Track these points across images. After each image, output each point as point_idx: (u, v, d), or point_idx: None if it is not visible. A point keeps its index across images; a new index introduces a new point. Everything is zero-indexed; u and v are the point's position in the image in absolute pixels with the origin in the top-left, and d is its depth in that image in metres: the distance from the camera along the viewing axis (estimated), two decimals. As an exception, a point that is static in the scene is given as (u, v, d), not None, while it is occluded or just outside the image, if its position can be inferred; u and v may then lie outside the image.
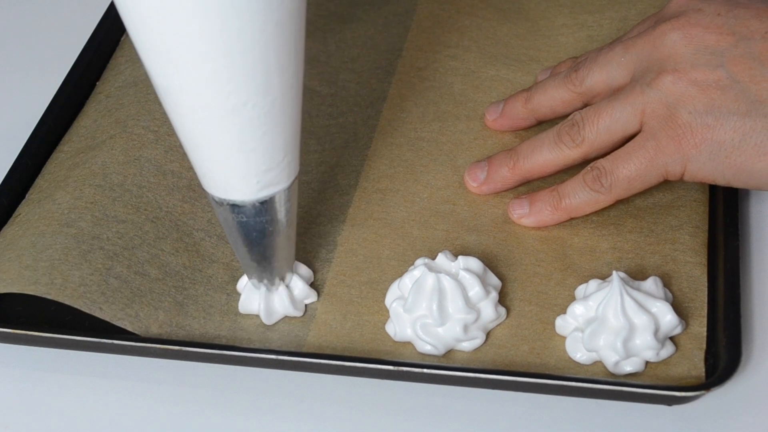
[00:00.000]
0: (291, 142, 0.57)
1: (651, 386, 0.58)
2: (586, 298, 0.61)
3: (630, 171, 0.64)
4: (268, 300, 0.63)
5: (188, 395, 0.61)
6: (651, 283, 0.61)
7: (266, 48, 0.52)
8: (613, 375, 0.59)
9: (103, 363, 0.63)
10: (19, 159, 0.72)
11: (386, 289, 0.63)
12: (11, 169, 0.71)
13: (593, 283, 0.62)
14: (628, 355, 0.59)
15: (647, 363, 0.60)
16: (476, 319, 0.61)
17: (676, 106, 0.62)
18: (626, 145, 0.65)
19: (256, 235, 0.59)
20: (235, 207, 0.58)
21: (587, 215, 0.67)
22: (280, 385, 0.61)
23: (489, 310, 0.61)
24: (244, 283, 0.64)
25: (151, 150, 0.70)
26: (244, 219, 0.58)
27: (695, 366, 0.60)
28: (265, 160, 0.56)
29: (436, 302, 0.60)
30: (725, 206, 0.66)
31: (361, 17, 0.82)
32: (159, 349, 0.61)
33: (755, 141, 0.61)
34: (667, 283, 0.63)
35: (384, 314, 0.63)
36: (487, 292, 0.61)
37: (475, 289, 0.61)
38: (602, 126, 0.65)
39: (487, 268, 0.63)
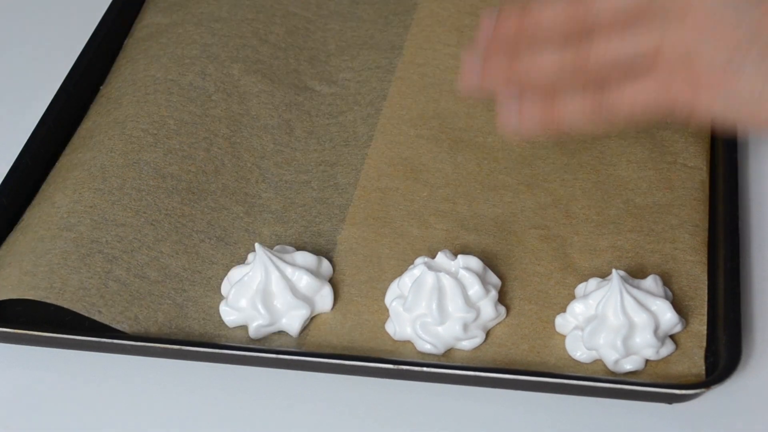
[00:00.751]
0: None
1: (651, 384, 0.58)
2: (585, 296, 0.61)
3: (638, 94, 0.60)
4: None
5: (188, 395, 0.61)
6: (651, 282, 0.61)
7: None
8: (613, 373, 0.59)
9: (103, 363, 0.63)
10: (19, 159, 0.72)
11: (386, 288, 0.63)
12: (11, 169, 0.71)
13: (593, 282, 0.62)
14: (628, 353, 0.59)
15: (647, 361, 0.60)
16: (476, 318, 0.61)
17: (696, 48, 0.58)
18: (637, 67, 0.60)
19: None
20: None
21: (587, 215, 0.67)
22: (280, 385, 0.61)
23: (489, 309, 0.61)
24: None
25: (150, 153, 0.71)
26: None
27: (695, 364, 0.59)
28: None
29: (436, 301, 0.60)
30: (725, 205, 0.66)
31: (362, 16, 0.82)
32: (159, 348, 0.61)
33: None
34: (667, 282, 0.63)
35: (384, 313, 0.63)
36: (487, 291, 0.61)
37: (474, 288, 0.61)
38: (620, 45, 0.59)
39: (487, 267, 0.63)
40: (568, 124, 0.60)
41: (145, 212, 0.67)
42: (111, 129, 0.72)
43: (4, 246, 0.67)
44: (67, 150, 0.73)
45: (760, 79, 0.58)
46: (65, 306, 0.62)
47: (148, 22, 0.82)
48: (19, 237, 0.67)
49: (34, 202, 0.70)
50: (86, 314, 0.62)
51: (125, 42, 0.82)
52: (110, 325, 0.62)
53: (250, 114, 0.74)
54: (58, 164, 0.72)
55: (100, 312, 0.62)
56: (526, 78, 0.60)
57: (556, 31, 0.60)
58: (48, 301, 0.62)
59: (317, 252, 0.65)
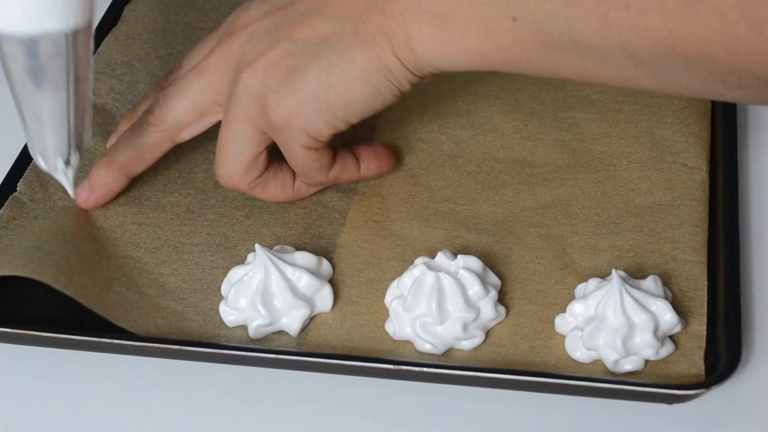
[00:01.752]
0: None
1: (651, 384, 0.58)
2: (585, 296, 0.61)
3: (180, 106, 0.66)
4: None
5: (188, 395, 0.61)
6: (650, 282, 0.61)
7: None
8: (612, 373, 0.59)
9: (103, 363, 0.63)
10: (19, 159, 0.72)
11: (386, 288, 0.63)
12: (11, 169, 0.71)
13: (593, 282, 0.62)
14: (627, 353, 0.59)
15: (647, 361, 0.60)
16: (475, 318, 0.61)
17: (263, 94, 0.62)
18: (172, 85, 0.67)
19: (26, 81, 0.55)
20: (6, 41, 0.53)
21: (587, 215, 0.67)
22: (279, 385, 0.61)
23: (488, 309, 0.61)
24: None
25: (150, 187, 0.71)
26: (14, 58, 0.54)
27: (695, 364, 0.59)
28: None
29: (436, 301, 0.60)
30: (725, 205, 0.66)
31: None
32: (159, 348, 0.61)
33: (338, 72, 0.61)
34: (666, 282, 0.63)
35: (383, 313, 0.63)
36: (487, 291, 0.61)
37: (474, 288, 0.61)
38: (181, 99, 0.66)
39: (487, 267, 0.63)
40: (129, 166, 0.69)
41: (144, 244, 0.68)
42: None
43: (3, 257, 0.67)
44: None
45: (320, 71, 0.62)
46: (69, 294, 0.62)
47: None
48: (16, 239, 0.67)
49: (34, 214, 0.69)
50: (89, 306, 0.62)
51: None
52: (111, 320, 0.62)
53: None
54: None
55: (100, 310, 0.62)
56: (131, 171, 0.70)
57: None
58: (55, 286, 0.62)
59: (317, 254, 0.65)
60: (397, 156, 0.72)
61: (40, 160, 0.61)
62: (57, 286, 0.62)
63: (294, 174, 0.68)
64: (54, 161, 0.60)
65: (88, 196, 0.69)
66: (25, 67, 0.55)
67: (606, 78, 0.57)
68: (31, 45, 0.53)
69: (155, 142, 0.67)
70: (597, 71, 0.56)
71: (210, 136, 0.75)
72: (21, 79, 0.55)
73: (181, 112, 0.66)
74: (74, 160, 0.61)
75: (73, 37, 0.55)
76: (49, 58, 0.54)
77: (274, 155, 0.67)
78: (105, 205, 0.69)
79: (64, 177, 0.62)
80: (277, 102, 0.62)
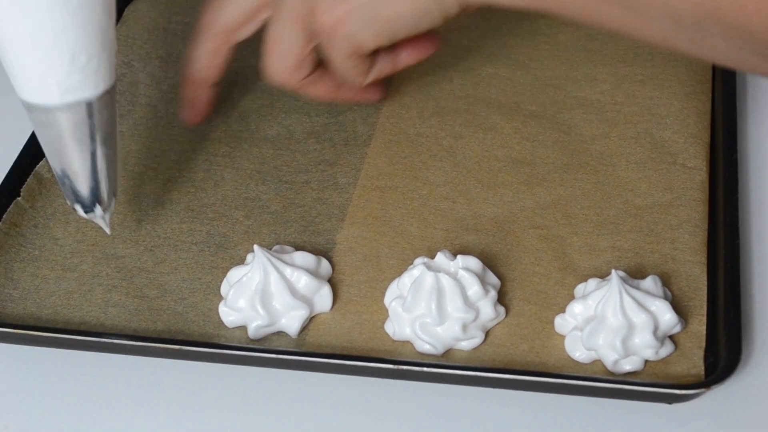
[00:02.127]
0: (95, 45, 0.55)
1: (651, 384, 0.58)
2: (585, 296, 0.61)
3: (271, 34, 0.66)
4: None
5: (188, 395, 0.61)
6: (650, 282, 0.61)
7: None
8: (612, 374, 0.59)
9: (103, 363, 0.63)
10: (19, 159, 0.72)
11: (385, 288, 0.63)
12: (11, 169, 0.71)
13: (592, 282, 0.62)
14: (627, 353, 0.59)
15: (646, 362, 0.60)
16: (475, 318, 0.61)
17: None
18: None
19: (61, 144, 0.58)
20: (41, 111, 0.57)
21: (587, 215, 0.67)
22: (279, 384, 0.61)
23: (488, 309, 0.61)
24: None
25: (151, 186, 0.71)
26: (50, 125, 0.58)
27: (694, 364, 0.59)
28: (65, 61, 0.55)
29: (435, 301, 0.60)
30: (725, 205, 0.66)
31: None
32: (159, 348, 0.61)
33: None
34: (666, 282, 0.63)
35: (383, 313, 0.63)
36: (486, 291, 0.61)
37: (474, 288, 0.61)
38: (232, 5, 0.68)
39: (486, 268, 0.63)
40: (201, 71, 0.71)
41: (143, 241, 0.68)
42: None
43: (4, 271, 0.67)
44: None
45: None
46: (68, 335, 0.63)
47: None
48: (20, 266, 0.67)
49: (34, 222, 0.69)
50: (90, 329, 0.63)
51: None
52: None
53: (249, 129, 0.75)
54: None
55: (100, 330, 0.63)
56: (202, 76, 0.72)
57: (218, 65, 0.72)
58: (50, 326, 0.63)
59: (316, 252, 0.66)
60: (396, 150, 0.72)
61: (79, 210, 0.63)
62: (54, 344, 0.63)
63: None
64: (92, 209, 0.62)
65: (188, 112, 0.72)
66: (59, 132, 0.58)
67: (646, 34, 0.57)
68: (64, 113, 0.57)
69: (214, 47, 0.69)
70: (637, 26, 0.57)
71: (208, 137, 0.75)
72: (56, 142, 0.58)
73: (231, 13, 0.68)
74: (111, 205, 0.63)
75: (101, 99, 0.58)
76: (82, 122, 0.57)
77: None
78: (208, 117, 0.73)
79: (102, 221, 0.64)
80: (326, 7, 0.63)
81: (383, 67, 0.68)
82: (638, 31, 0.57)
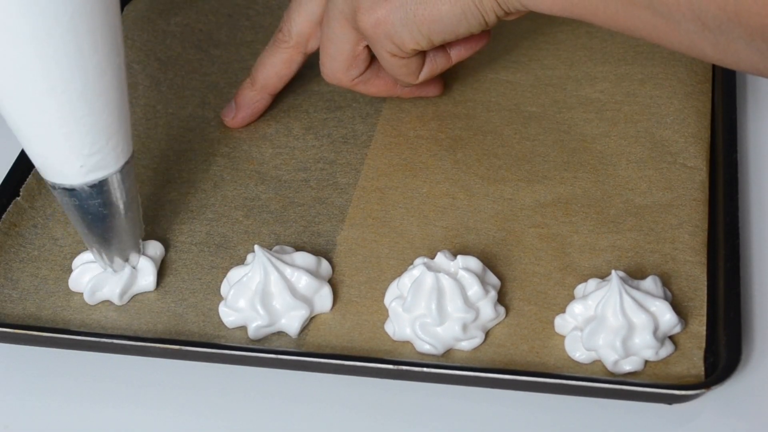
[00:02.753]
0: (115, 125, 0.58)
1: (651, 384, 0.58)
2: (585, 297, 0.61)
3: (323, 33, 0.68)
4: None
5: (188, 395, 0.62)
6: (650, 282, 0.61)
7: (75, 30, 0.53)
8: (612, 374, 0.59)
9: (103, 363, 0.63)
10: (19, 159, 0.72)
11: (385, 288, 0.63)
12: (11, 169, 0.71)
13: (592, 282, 0.62)
14: (627, 354, 0.59)
15: (646, 362, 0.60)
16: (475, 319, 0.61)
17: None
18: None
19: (92, 218, 0.61)
20: (67, 191, 0.60)
21: (587, 213, 0.67)
22: (279, 385, 0.61)
23: (488, 310, 0.61)
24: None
25: (150, 186, 0.71)
26: (78, 203, 0.60)
27: (694, 365, 0.59)
28: (87, 143, 0.57)
29: (435, 301, 0.60)
30: (725, 205, 0.66)
31: None
32: (158, 348, 0.61)
33: None
34: (666, 282, 0.63)
35: (383, 313, 0.63)
36: (486, 292, 0.61)
37: (474, 289, 0.61)
38: (303, 10, 0.70)
39: (486, 268, 0.63)
40: (267, 80, 0.73)
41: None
42: None
43: (3, 271, 0.67)
44: None
45: None
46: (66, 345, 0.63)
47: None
48: (20, 266, 0.67)
49: (34, 222, 0.69)
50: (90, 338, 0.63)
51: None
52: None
53: (248, 128, 0.75)
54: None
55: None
56: (267, 87, 0.75)
57: (284, 76, 0.74)
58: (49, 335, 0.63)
59: (316, 252, 0.66)
60: (396, 151, 0.72)
61: (108, 268, 0.64)
62: (56, 331, 0.63)
63: None
64: (122, 265, 0.64)
65: (235, 114, 0.75)
66: (82, 205, 0.60)
67: (673, 40, 0.58)
68: (87, 191, 0.60)
69: (287, 57, 0.72)
70: (665, 30, 0.58)
71: (207, 137, 0.75)
72: (81, 213, 0.61)
73: (301, 24, 0.71)
74: (138, 259, 0.65)
75: (121, 172, 0.60)
76: (105, 194, 0.60)
77: None
78: (251, 122, 0.75)
79: (129, 270, 0.65)
80: (368, 7, 0.64)
81: (434, 66, 0.70)
82: (667, 36, 0.58)
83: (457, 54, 0.70)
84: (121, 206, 0.61)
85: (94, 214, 0.61)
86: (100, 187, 0.60)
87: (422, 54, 0.68)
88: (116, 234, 0.62)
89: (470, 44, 0.70)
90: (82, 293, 0.65)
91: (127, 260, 0.64)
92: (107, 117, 0.57)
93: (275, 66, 0.72)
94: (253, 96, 0.74)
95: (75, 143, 0.57)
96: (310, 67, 0.78)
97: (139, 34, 0.82)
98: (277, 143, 0.74)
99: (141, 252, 0.65)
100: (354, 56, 0.69)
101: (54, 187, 0.60)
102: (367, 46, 0.68)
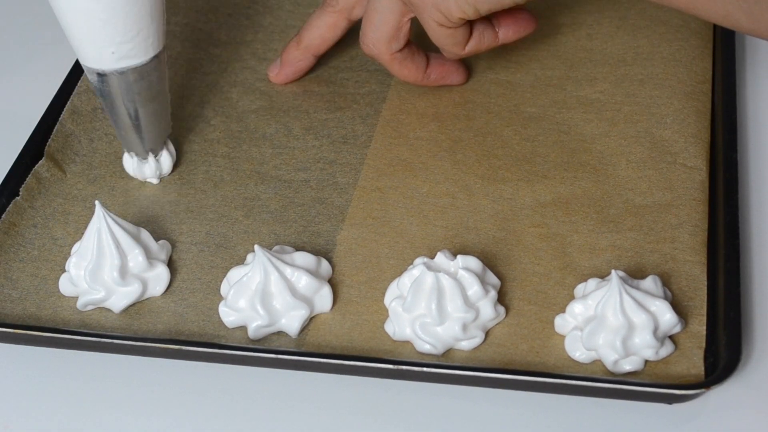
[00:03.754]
0: (146, 19, 0.65)
1: (652, 384, 0.58)
2: (585, 296, 0.61)
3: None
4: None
5: (188, 395, 0.61)
6: (650, 282, 0.61)
7: None
8: (612, 374, 0.59)
9: (103, 363, 0.63)
10: (19, 159, 0.72)
11: (385, 288, 0.63)
12: (11, 169, 0.71)
13: (592, 282, 0.62)
14: (627, 353, 0.59)
15: (646, 362, 0.60)
16: (475, 318, 0.61)
17: None
18: None
19: (119, 103, 0.67)
20: (99, 76, 0.66)
21: (587, 212, 0.67)
22: (279, 385, 0.61)
23: (488, 309, 0.61)
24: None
25: (149, 186, 0.72)
26: (108, 88, 0.67)
27: (694, 364, 0.59)
28: (120, 32, 0.64)
29: (435, 301, 0.60)
30: (725, 205, 0.66)
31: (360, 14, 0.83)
32: (159, 348, 0.61)
33: None
34: (666, 282, 0.63)
35: (383, 313, 0.63)
36: (486, 291, 0.61)
37: (474, 288, 0.61)
38: None
39: (486, 267, 0.63)
40: (312, 42, 0.76)
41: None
42: (112, 163, 0.73)
43: (3, 271, 0.67)
44: (64, 166, 0.73)
45: None
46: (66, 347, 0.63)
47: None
48: (20, 266, 0.67)
49: (33, 221, 0.69)
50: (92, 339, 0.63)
51: None
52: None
53: (248, 129, 0.75)
54: (51, 166, 0.72)
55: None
56: (314, 48, 0.77)
57: (328, 39, 0.77)
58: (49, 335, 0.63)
59: (316, 252, 0.66)
60: (395, 152, 0.72)
61: (133, 156, 0.70)
62: (56, 331, 0.63)
63: (428, 59, 0.74)
64: (145, 155, 0.70)
65: (279, 70, 0.77)
66: (113, 91, 0.67)
67: (710, 9, 0.60)
68: (117, 77, 0.66)
69: (332, 21, 0.75)
70: (702, 0, 0.59)
71: (207, 137, 0.75)
72: (112, 99, 0.67)
73: None
74: (162, 154, 0.71)
75: (149, 64, 0.67)
76: (133, 83, 0.67)
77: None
78: (295, 80, 0.78)
79: (154, 164, 0.70)
80: None
81: (481, 40, 0.71)
82: (703, 6, 0.60)
83: (504, 34, 0.72)
84: (147, 96, 0.67)
85: (122, 100, 0.67)
86: (128, 75, 0.66)
87: (469, 25, 0.70)
88: (142, 122, 0.68)
89: (518, 27, 0.72)
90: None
91: (152, 152, 0.70)
92: (140, 9, 0.64)
93: (320, 28, 0.75)
94: (297, 55, 0.76)
95: (110, 31, 0.64)
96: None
97: None
98: (277, 143, 0.74)
99: (165, 147, 0.71)
100: (398, 28, 0.70)
101: (89, 72, 0.66)
102: (410, 21, 0.70)
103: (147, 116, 0.68)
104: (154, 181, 0.71)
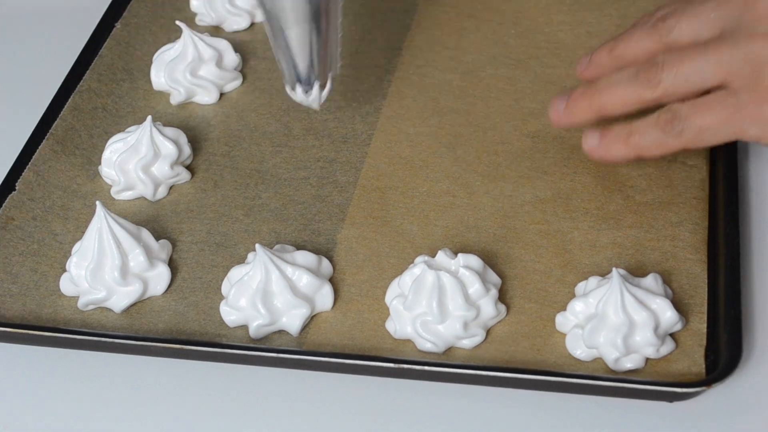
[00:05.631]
0: None
1: (652, 382, 0.58)
2: (585, 294, 0.61)
3: (705, 122, 0.63)
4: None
5: (189, 394, 0.61)
6: (651, 280, 0.61)
7: None
8: (613, 371, 0.59)
9: (103, 363, 0.63)
10: (19, 159, 0.72)
11: (386, 286, 0.63)
12: (11, 169, 0.71)
13: (593, 280, 0.62)
14: (628, 351, 0.59)
15: (647, 359, 0.60)
16: (476, 317, 0.61)
17: (763, 69, 0.62)
18: (707, 96, 0.63)
19: (287, 19, 0.66)
20: None
21: (587, 209, 0.67)
22: (280, 383, 0.61)
23: (489, 308, 0.61)
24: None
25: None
26: (274, 4, 0.66)
27: (695, 362, 0.59)
28: None
29: (436, 300, 0.60)
30: (725, 203, 0.66)
31: (359, 11, 0.83)
32: (160, 348, 0.61)
33: None
34: (667, 280, 0.63)
35: (384, 312, 0.63)
36: (487, 290, 0.61)
37: (474, 287, 0.61)
38: (682, 73, 0.64)
39: (487, 266, 0.63)
40: (644, 150, 0.65)
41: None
42: None
43: (2, 265, 0.67)
44: (64, 158, 0.73)
45: None
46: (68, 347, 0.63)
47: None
48: (19, 260, 0.67)
49: (33, 214, 0.69)
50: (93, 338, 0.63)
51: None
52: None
53: (248, 127, 0.75)
54: (50, 158, 0.72)
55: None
56: (605, 112, 0.66)
57: (640, 61, 0.66)
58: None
59: (317, 251, 0.66)
60: (396, 150, 0.72)
61: (298, 91, 0.70)
62: (56, 331, 0.63)
63: None
64: (310, 87, 0.70)
65: (586, 67, 0.70)
66: (283, 6, 0.66)
67: None
68: None
69: (653, 49, 0.67)
70: None
71: (207, 137, 0.75)
72: (280, 18, 0.66)
73: (684, 33, 0.66)
74: (328, 84, 0.70)
75: None
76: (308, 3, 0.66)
77: None
78: (596, 76, 0.69)
79: (316, 100, 0.70)
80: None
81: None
82: None
83: None
84: (319, 15, 0.66)
85: (287, 13, 0.66)
86: None
87: None
88: (305, 45, 0.67)
89: None
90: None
91: (311, 82, 0.69)
92: None
93: (638, 48, 0.67)
94: (606, 61, 0.69)
95: None
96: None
97: (140, 44, 0.81)
98: (277, 142, 0.74)
99: (326, 86, 0.70)
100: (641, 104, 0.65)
101: None
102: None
103: (316, 35, 0.67)
104: (315, 106, 0.71)
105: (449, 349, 0.61)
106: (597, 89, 0.67)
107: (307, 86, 0.70)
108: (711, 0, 0.66)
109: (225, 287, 0.64)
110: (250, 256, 0.65)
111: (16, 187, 0.70)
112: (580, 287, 0.63)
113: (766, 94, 0.62)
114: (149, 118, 0.70)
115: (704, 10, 0.66)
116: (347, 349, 0.61)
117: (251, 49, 0.81)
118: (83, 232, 0.66)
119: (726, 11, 0.65)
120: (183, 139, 0.71)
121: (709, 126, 0.63)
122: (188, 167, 0.72)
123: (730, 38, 0.63)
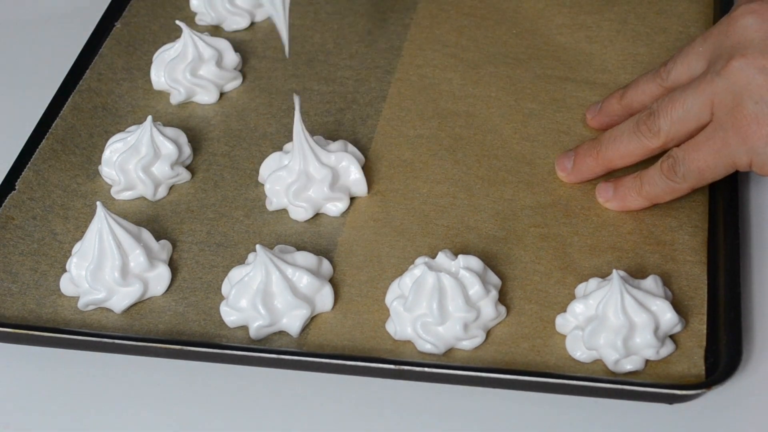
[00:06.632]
0: None
1: (653, 384, 0.58)
2: (586, 296, 0.61)
3: (700, 162, 0.64)
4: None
5: (189, 395, 0.61)
6: (651, 282, 0.61)
7: None
8: (613, 373, 0.60)
9: (103, 363, 0.63)
10: (19, 158, 0.72)
11: (386, 287, 0.63)
12: (11, 168, 0.71)
13: (593, 282, 0.62)
14: (628, 353, 0.59)
15: (647, 361, 0.60)
16: (476, 318, 0.61)
17: (742, 95, 0.62)
18: (697, 136, 0.64)
19: None
20: None
21: (587, 214, 0.67)
22: (280, 384, 0.61)
23: (489, 309, 0.61)
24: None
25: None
26: None
27: (695, 364, 0.60)
28: None
29: (437, 301, 0.60)
30: (725, 205, 0.67)
31: (359, 11, 0.83)
32: (160, 348, 0.61)
33: None
34: (666, 282, 0.63)
35: (384, 313, 0.63)
36: (487, 291, 0.61)
37: (475, 288, 0.61)
38: (676, 116, 0.64)
39: (487, 267, 0.63)
40: (657, 198, 0.67)
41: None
42: None
43: (2, 264, 0.67)
44: (63, 157, 0.73)
45: None
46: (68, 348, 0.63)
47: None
48: (19, 259, 0.67)
49: (33, 213, 0.69)
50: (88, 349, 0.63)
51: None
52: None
53: (249, 127, 0.75)
54: (50, 156, 0.72)
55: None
56: (613, 166, 0.68)
57: (647, 107, 0.67)
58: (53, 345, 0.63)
59: (318, 252, 0.66)
60: (396, 152, 0.72)
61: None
62: (56, 331, 0.63)
63: None
64: None
65: (596, 115, 0.72)
66: None
67: None
68: None
69: (657, 93, 0.68)
70: None
71: (207, 136, 0.75)
72: None
73: (679, 72, 0.67)
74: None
75: None
76: None
77: None
78: (607, 125, 0.71)
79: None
80: (749, 112, 0.62)
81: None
82: None
83: None
84: None
85: None
86: None
87: None
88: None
89: None
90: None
91: None
92: None
93: (644, 94, 0.69)
94: (617, 109, 0.71)
95: None
96: (309, 66, 0.79)
97: (140, 43, 0.81)
98: (277, 143, 0.74)
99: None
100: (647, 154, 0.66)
101: None
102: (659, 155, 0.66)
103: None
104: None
105: (449, 351, 0.61)
106: (602, 145, 0.68)
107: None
108: (700, 35, 0.67)
109: (225, 288, 0.64)
110: (251, 256, 0.65)
111: (16, 187, 0.70)
112: (580, 289, 0.63)
113: (745, 120, 0.62)
114: (149, 118, 0.70)
115: (694, 45, 0.67)
116: (347, 350, 0.61)
117: (251, 48, 0.81)
118: (83, 232, 0.66)
119: (709, 42, 0.66)
120: (183, 139, 0.71)
121: (706, 164, 0.64)
122: (188, 167, 0.72)
123: (713, 69, 0.64)
